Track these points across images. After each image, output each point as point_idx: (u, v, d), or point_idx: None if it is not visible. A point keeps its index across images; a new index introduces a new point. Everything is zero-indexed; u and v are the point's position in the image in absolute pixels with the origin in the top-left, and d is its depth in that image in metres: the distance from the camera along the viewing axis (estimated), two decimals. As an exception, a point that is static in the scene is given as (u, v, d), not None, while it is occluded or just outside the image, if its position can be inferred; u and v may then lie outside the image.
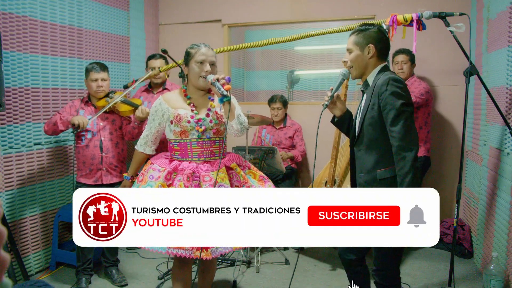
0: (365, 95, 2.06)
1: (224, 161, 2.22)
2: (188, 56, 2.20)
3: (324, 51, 4.96)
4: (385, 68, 2.04)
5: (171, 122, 2.20)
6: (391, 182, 1.93)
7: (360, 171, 2.08)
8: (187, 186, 2.08)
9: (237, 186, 2.22)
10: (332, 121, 2.28)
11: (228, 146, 4.54)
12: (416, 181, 1.85)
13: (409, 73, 3.63)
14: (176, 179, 2.13)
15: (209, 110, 2.22)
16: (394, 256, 2.05)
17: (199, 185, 2.13)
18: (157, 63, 3.53)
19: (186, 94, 2.25)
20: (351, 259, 2.19)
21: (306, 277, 3.20)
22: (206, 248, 2.02)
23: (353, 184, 2.20)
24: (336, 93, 2.15)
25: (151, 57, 3.60)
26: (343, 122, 2.21)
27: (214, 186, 2.05)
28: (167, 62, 3.55)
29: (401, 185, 1.87)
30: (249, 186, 2.23)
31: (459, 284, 3.01)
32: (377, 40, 2.00)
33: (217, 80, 2.05)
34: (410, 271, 3.28)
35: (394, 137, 1.88)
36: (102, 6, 3.85)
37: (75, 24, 3.53)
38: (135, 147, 2.38)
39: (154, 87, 3.62)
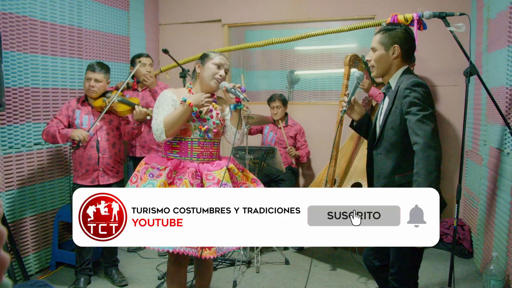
0: (386, 98, 2.01)
1: (222, 163, 2.24)
2: (206, 57, 2.26)
3: (324, 51, 4.95)
4: (408, 71, 1.99)
5: None
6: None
7: (378, 175, 2.03)
8: (192, 184, 2.07)
9: (235, 187, 2.24)
10: (351, 126, 2.23)
11: (228, 146, 4.53)
12: (438, 182, 1.78)
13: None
14: (176, 177, 2.13)
15: (211, 111, 2.25)
16: (410, 260, 1.96)
17: (201, 184, 2.14)
18: (149, 60, 3.52)
19: (192, 93, 2.26)
20: (375, 266, 2.16)
21: (306, 277, 3.20)
22: (210, 247, 2.03)
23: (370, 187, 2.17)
24: (353, 97, 2.12)
25: (140, 55, 3.56)
26: (362, 125, 2.17)
27: (219, 186, 2.07)
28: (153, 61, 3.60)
29: (421, 184, 1.77)
30: (247, 187, 2.26)
31: (459, 284, 3.01)
32: (403, 40, 1.95)
33: (233, 87, 2.12)
34: (410, 271, 3.28)
35: (419, 135, 1.80)
36: (102, 6, 3.86)
37: (75, 24, 3.53)
38: (158, 139, 2.16)
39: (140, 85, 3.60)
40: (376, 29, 2.24)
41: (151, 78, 3.43)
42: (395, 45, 1.95)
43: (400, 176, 1.93)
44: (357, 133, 2.26)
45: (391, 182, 1.95)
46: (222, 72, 2.22)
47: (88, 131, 2.84)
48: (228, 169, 2.23)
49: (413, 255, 1.95)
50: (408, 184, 1.89)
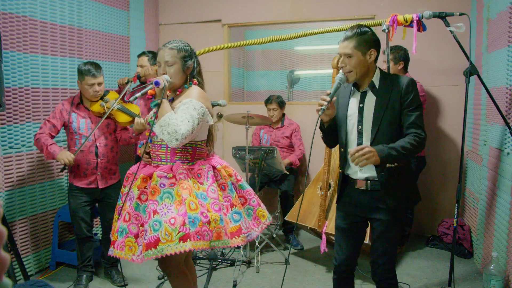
0: (370, 95, 2.04)
1: (164, 168, 2.07)
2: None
3: (324, 51, 4.96)
4: (381, 71, 2.10)
5: None
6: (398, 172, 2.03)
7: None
8: (125, 185, 2.19)
9: (140, 199, 2.07)
10: (321, 127, 2.18)
11: (228, 146, 4.54)
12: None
13: (394, 71, 3.56)
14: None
15: (155, 113, 2.09)
16: (395, 248, 2.12)
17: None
18: (141, 60, 3.50)
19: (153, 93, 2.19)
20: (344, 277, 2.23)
21: (306, 277, 3.20)
22: (238, 235, 2.08)
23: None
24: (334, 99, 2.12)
25: (139, 55, 3.59)
26: (333, 127, 2.17)
27: (128, 191, 2.09)
28: (150, 59, 3.55)
29: (403, 145, 1.94)
30: (146, 200, 2.04)
31: (459, 284, 3.01)
32: (376, 44, 2.03)
33: (148, 83, 2.09)
34: (410, 271, 3.28)
35: (421, 127, 2.00)
36: (102, 6, 3.86)
37: (75, 24, 3.53)
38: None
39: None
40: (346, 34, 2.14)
41: (150, 70, 3.41)
42: (372, 49, 2.00)
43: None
44: (324, 136, 2.22)
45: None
46: (160, 69, 2.14)
47: (74, 154, 2.80)
48: (147, 177, 2.08)
49: (396, 243, 2.12)
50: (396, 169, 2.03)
